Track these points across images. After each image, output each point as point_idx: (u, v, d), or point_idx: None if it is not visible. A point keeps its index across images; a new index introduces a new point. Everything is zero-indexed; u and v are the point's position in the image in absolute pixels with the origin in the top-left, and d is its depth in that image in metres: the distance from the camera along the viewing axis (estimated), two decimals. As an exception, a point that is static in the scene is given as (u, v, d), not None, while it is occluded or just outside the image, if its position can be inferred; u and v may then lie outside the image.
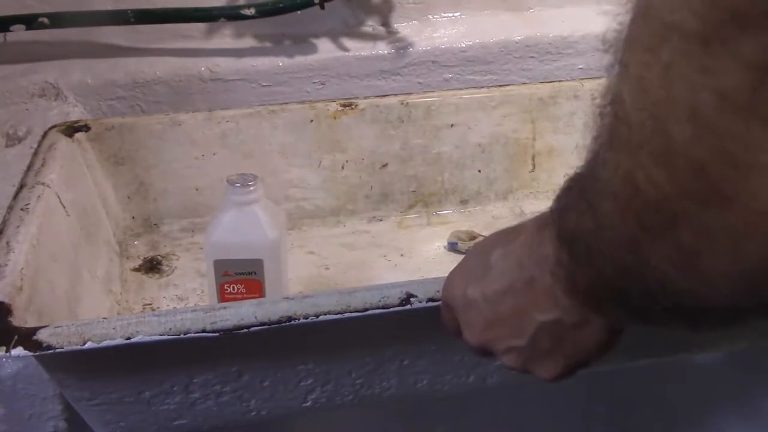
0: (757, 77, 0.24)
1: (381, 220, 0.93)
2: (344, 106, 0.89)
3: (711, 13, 0.25)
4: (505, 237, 0.43)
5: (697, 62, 0.25)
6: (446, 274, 0.48)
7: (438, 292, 0.49)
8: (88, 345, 0.50)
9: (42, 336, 0.50)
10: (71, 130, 0.82)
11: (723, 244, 0.27)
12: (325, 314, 0.53)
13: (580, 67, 1.04)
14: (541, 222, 0.40)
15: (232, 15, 0.91)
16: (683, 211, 0.27)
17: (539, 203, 0.94)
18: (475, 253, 0.46)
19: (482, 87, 0.96)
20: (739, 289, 0.28)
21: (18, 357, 0.51)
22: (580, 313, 0.38)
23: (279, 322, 0.52)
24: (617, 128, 0.29)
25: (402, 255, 0.87)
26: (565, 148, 0.94)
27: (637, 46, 0.28)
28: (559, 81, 0.96)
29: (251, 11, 0.90)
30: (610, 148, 0.30)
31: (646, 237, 0.29)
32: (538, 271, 0.39)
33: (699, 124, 0.26)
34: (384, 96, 0.91)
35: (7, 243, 0.60)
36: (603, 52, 0.32)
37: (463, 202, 0.95)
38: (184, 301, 0.79)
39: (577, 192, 0.35)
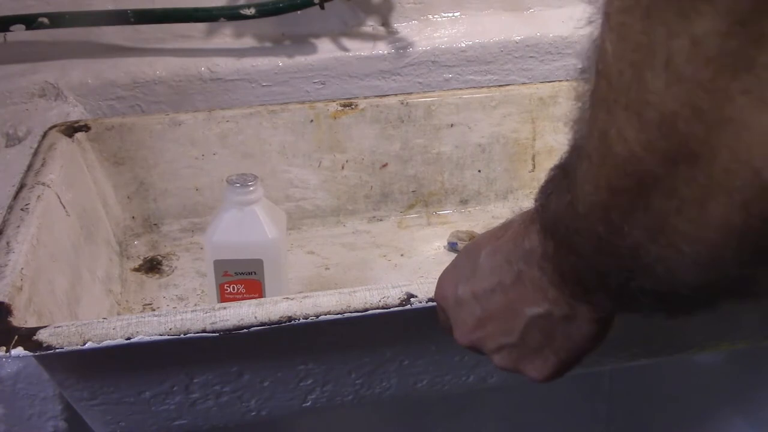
0: (729, 25, 0.24)
1: (381, 220, 0.93)
2: (344, 106, 0.89)
3: None
4: (493, 235, 0.43)
5: (675, 5, 0.25)
6: (442, 272, 0.48)
7: (434, 292, 0.49)
8: (88, 345, 0.50)
9: (42, 336, 0.50)
10: (71, 130, 0.82)
11: (689, 206, 0.27)
12: (325, 314, 0.53)
13: (580, 67, 1.03)
14: (526, 217, 0.40)
15: (232, 15, 0.91)
16: (651, 171, 0.27)
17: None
18: (465, 253, 0.46)
19: (482, 87, 0.96)
20: (703, 256, 0.28)
21: (18, 357, 0.51)
22: (568, 305, 0.38)
23: (279, 322, 0.52)
24: (598, 84, 0.29)
25: (402, 255, 0.87)
26: (565, 148, 0.94)
27: None
28: (559, 81, 0.96)
29: (251, 11, 0.90)
30: (591, 106, 0.30)
31: (616, 201, 0.29)
32: (525, 266, 0.39)
33: (672, 73, 0.25)
34: (384, 96, 0.91)
35: (7, 243, 0.60)
36: (586, 3, 0.31)
37: (463, 202, 0.95)
38: (184, 301, 0.79)
39: (559, 175, 0.35)
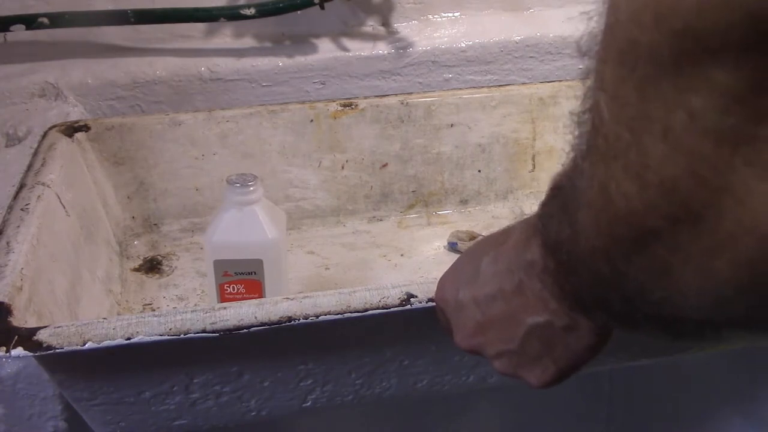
0: (726, 103, 0.24)
1: (381, 220, 0.93)
2: (344, 106, 0.89)
3: (683, 41, 0.24)
4: (494, 241, 0.43)
5: (670, 81, 0.25)
6: (442, 275, 0.48)
7: (434, 294, 0.49)
8: (88, 345, 0.50)
9: (42, 336, 0.50)
10: (71, 130, 0.82)
11: (693, 261, 0.27)
12: (325, 314, 0.53)
13: (580, 67, 1.03)
14: (527, 227, 0.40)
15: (232, 15, 0.91)
16: (654, 227, 0.27)
17: (539, 203, 0.94)
18: (466, 257, 0.46)
19: (482, 87, 0.96)
20: (708, 303, 0.28)
21: (18, 357, 0.51)
22: (569, 317, 0.38)
23: (279, 322, 0.52)
24: (594, 138, 0.29)
25: (402, 255, 0.87)
26: (565, 148, 0.94)
27: (610, 59, 0.27)
28: (559, 81, 0.96)
29: (251, 11, 0.90)
30: (587, 156, 0.30)
31: (619, 248, 0.29)
32: (526, 276, 0.39)
33: (671, 143, 0.26)
34: (384, 96, 0.91)
35: (7, 243, 0.60)
36: (579, 59, 0.31)
37: (463, 202, 0.95)
38: (184, 301, 0.79)
39: (558, 200, 0.35)
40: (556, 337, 0.40)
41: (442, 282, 0.47)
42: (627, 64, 0.26)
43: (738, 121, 0.24)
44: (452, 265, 0.47)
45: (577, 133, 0.32)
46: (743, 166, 0.24)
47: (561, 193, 0.34)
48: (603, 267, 0.31)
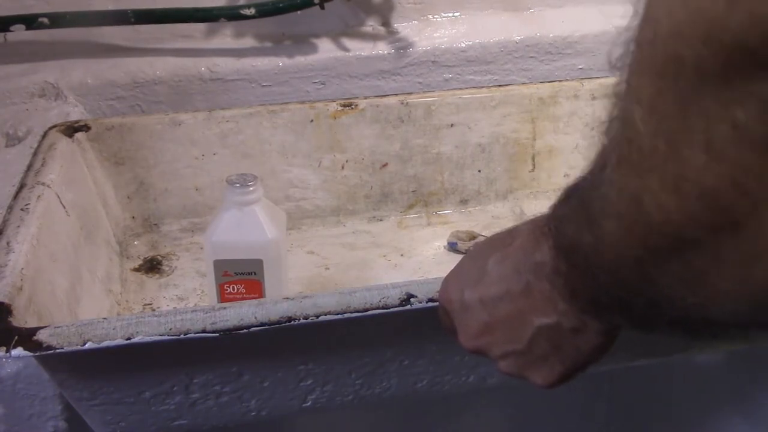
0: None
1: (381, 220, 0.93)
2: (344, 106, 0.89)
3: (731, 55, 0.24)
4: (500, 241, 0.43)
5: (714, 94, 0.25)
6: (446, 275, 0.48)
7: (437, 292, 0.49)
8: (88, 345, 0.50)
9: (42, 336, 0.50)
10: (71, 130, 0.82)
11: (731, 268, 0.27)
12: (325, 314, 0.53)
13: (580, 67, 1.04)
14: (536, 227, 0.40)
15: (232, 15, 0.91)
16: (692, 237, 0.28)
17: (539, 203, 0.94)
18: (471, 257, 0.46)
19: (482, 87, 0.96)
20: (744, 308, 0.28)
21: (18, 357, 0.51)
22: (578, 318, 0.38)
23: (279, 322, 0.52)
24: (626, 150, 0.29)
25: (402, 255, 0.87)
26: (565, 148, 0.94)
27: (648, 72, 0.27)
28: (559, 81, 0.96)
29: (251, 11, 0.90)
30: (618, 168, 0.30)
31: (651, 257, 0.30)
32: (534, 278, 0.39)
33: (713, 154, 0.26)
34: (384, 96, 0.91)
35: (7, 243, 0.60)
36: (609, 71, 0.31)
37: (463, 202, 0.95)
38: (184, 301, 0.79)
39: (576, 204, 0.34)
40: (563, 338, 0.40)
41: (446, 282, 0.47)
42: (667, 78, 0.26)
43: None
44: (456, 265, 0.47)
45: (604, 142, 0.32)
46: None
47: (579, 197, 0.34)
48: (630, 274, 0.31)
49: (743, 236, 0.26)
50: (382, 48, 0.98)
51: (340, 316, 0.53)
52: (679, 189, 0.27)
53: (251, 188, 0.69)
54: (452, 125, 0.91)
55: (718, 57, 0.25)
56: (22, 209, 0.65)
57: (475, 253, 0.46)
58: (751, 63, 0.24)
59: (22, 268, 0.58)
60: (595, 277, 0.33)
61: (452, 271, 0.47)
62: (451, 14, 1.00)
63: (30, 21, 0.86)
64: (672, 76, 0.26)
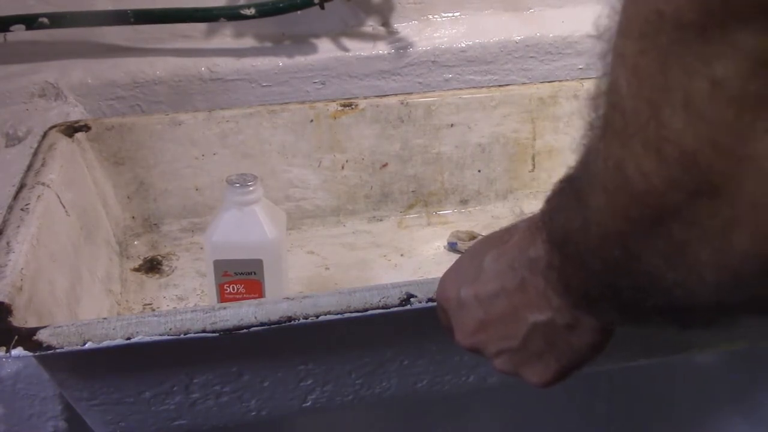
0: (752, 67, 0.24)
1: (381, 220, 0.93)
2: (344, 106, 0.89)
3: (709, 5, 0.24)
4: (497, 239, 0.43)
5: (694, 49, 0.25)
6: (443, 273, 0.48)
7: (436, 291, 0.49)
8: (88, 345, 0.50)
9: (42, 336, 0.50)
10: (71, 130, 0.82)
11: (711, 236, 0.27)
12: (325, 314, 0.53)
13: (580, 67, 1.04)
14: (531, 224, 0.40)
15: (232, 15, 0.91)
16: (671, 203, 0.27)
17: (539, 203, 0.93)
18: (468, 255, 0.46)
19: (482, 87, 0.96)
20: (726, 282, 0.28)
21: (18, 357, 0.51)
22: (572, 315, 0.38)
23: (279, 322, 0.52)
24: (611, 117, 0.29)
25: (402, 255, 0.87)
26: (565, 148, 0.94)
27: (631, 32, 0.27)
28: (559, 81, 0.96)
29: (251, 11, 0.90)
30: (603, 137, 0.30)
31: (634, 230, 0.29)
32: (529, 273, 0.39)
33: (692, 112, 0.25)
34: (384, 96, 0.91)
35: (7, 243, 0.60)
36: (596, 39, 0.31)
37: (463, 202, 0.95)
38: (184, 301, 0.79)
39: (568, 192, 0.35)
40: (558, 335, 0.40)
41: (444, 280, 0.47)
42: (649, 36, 0.26)
43: (762, 86, 0.24)
44: (454, 263, 0.47)
45: (592, 116, 0.32)
46: (766, 132, 0.24)
47: (571, 185, 0.34)
48: (615, 251, 0.31)
49: (722, 200, 0.26)
50: (382, 48, 0.98)
51: (340, 316, 0.53)
52: (660, 152, 0.27)
53: (251, 188, 0.69)
54: (452, 125, 0.91)
55: (697, 8, 0.25)
56: (22, 209, 0.65)
57: (472, 251, 0.46)
58: (730, 13, 0.24)
59: (22, 268, 0.58)
60: (585, 265, 0.33)
61: (450, 269, 0.47)
62: (451, 14, 1.00)
63: (30, 21, 0.86)
64: (653, 33, 0.26)
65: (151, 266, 0.84)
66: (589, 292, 0.35)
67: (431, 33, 0.99)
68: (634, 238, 0.30)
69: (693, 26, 0.25)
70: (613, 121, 0.29)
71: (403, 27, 0.99)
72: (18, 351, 0.49)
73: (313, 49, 0.96)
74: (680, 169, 0.26)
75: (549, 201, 0.37)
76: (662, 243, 0.29)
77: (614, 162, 0.29)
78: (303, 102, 0.90)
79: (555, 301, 0.38)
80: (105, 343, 0.50)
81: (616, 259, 0.31)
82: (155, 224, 0.88)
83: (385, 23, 0.98)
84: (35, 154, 0.76)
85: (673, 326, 0.33)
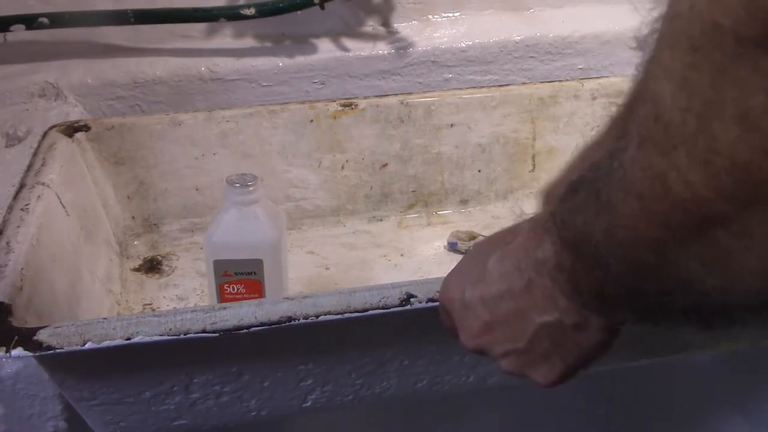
0: None
1: (381, 220, 0.93)
2: (344, 106, 0.89)
3: None
4: (501, 240, 0.43)
5: (752, 63, 0.25)
6: (446, 275, 0.48)
7: (438, 292, 0.49)
8: (88, 345, 0.50)
9: (42, 336, 0.50)
10: (71, 130, 0.82)
11: (760, 244, 0.27)
12: (325, 314, 0.53)
13: (580, 67, 1.04)
14: (537, 225, 0.40)
15: (232, 15, 0.91)
16: (720, 212, 0.27)
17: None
18: (472, 256, 0.46)
19: (482, 87, 0.96)
20: None
21: (18, 357, 0.51)
22: (580, 315, 0.38)
23: (279, 322, 0.52)
24: (651, 128, 0.29)
25: (402, 255, 0.87)
26: (565, 148, 0.94)
27: (681, 46, 0.27)
28: (559, 81, 0.96)
29: (251, 11, 0.90)
30: (641, 148, 0.30)
31: (672, 237, 0.29)
32: (536, 275, 0.39)
33: (747, 125, 0.26)
34: (384, 96, 0.91)
35: (7, 243, 0.60)
36: (634, 50, 0.31)
37: (463, 202, 0.95)
38: (184, 301, 0.79)
39: (586, 195, 0.34)
40: (565, 335, 0.40)
41: (447, 282, 0.47)
42: (703, 50, 0.26)
43: None
44: (457, 265, 0.47)
45: (622, 123, 0.32)
46: None
47: (588, 187, 0.34)
48: (648, 256, 0.31)
49: None
50: (382, 48, 0.98)
51: (340, 316, 0.53)
52: (709, 164, 0.27)
53: (251, 188, 0.69)
54: (452, 125, 0.91)
55: (757, 22, 0.24)
56: (22, 209, 0.65)
57: (475, 252, 0.46)
58: None
59: (22, 268, 0.58)
60: (605, 267, 0.33)
61: (453, 271, 0.47)
62: (451, 14, 1.00)
63: (30, 21, 0.86)
64: (707, 47, 0.26)
65: (151, 266, 0.84)
66: (605, 293, 0.35)
67: (431, 33, 0.99)
68: (671, 244, 0.30)
69: (753, 40, 0.25)
70: (653, 133, 0.29)
71: (403, 27, 0.99)
72: (18, 351, 0.49)
73: (313, 49, 0.96)
74: (731, 180, 0.26)
75: (561, 202, 0.37)
76: (704, 250, 0.29)
77: (654, 172, 0.29)
78: (303, 102, 0.90)
79: (562, 302, 0.38)
80: (105, 343, 0.50)
81: (646, 264, 0.31)
82: (155, 224, 0.88)
83: (385, 23, 0.98)
84: (35, 154, 0.76)
85: (696, 326, 0.33)
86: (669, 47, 0.28)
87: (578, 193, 0.35)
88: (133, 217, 0.87)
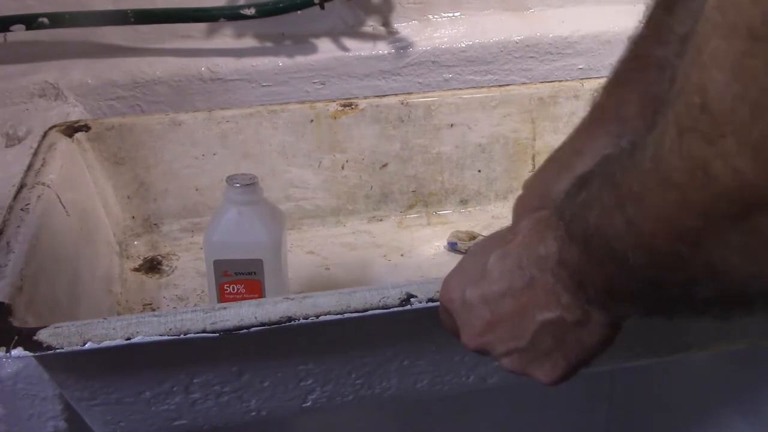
0: None
1: (381, 220, 0.93)
2: (344, 106, 0.89)
3: None
4: (501, 238, 0.43)
5: None
6: (446, 275, 0.48)
7: (438, 292, 0.49)
8: (88, 345, 0.50)
9: (42, 336, 0.50)
10: (71, 130, 0.82)
11: None
12: (325, 314, 0.53)
13: (580, 67, 1.04)
14: (538, 222, 0.40)
15: (232, 15, 0.91)
16: (764, 199, 0.27)
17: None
18: (472, 256, 0.46)
19: (482, 87, 0.96)
20: None
21: (18, 357, 0.51)
22: (582, 311, 0.38)
23: (279, 322, 0.52)
24: (696, 118, 0.29)
25: (402, 255, 0.87)
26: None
27: (738, 35, 0.27)
28: (559, 81, 0.96)
29: (251, 11, 0.90)
30: (680, 137, 0.29)
31: (712, 227, 0.29)
32: (537, 272, 0.39)
33: None
34: (384, 96, 0.91)
35: (7, 243, 0.60)
36: (679, 44, 0.31)
37: (463, 202, 0.95)
38: (184, 301, 0.79)
39: (600, 188, 0.34)
40: (567, 332, 0.40)
41: (447, 282, 0.47)
42: (759, 38, 0.26)
43: None
44: (457, 265, 0.47)
45: (654, 119, 0.32)
46: None
47: (602, 181, 0.34)
48: (680, 248, 0.31)
49: None
50: (382, 48, 0.98)
51: (340, 316, 0.53)
52: (761, 151, 0.27)
53: (251, 188, 0.69)
54: (452, 125, 0.91)
55: None
56: (22, 209, 0.65)
57: (475, 252, 0.46)
58: None
59: (22, 268, 0.58)
60: (621, 261, 0.33)
61: (453, 271, 0.47)
62: (451, 14, 1.00)
63: (30, 21, 0.86)
64: (764, 35, 0.26)
65: (151, 266, 0.84)
66: (615, 288, 0.35)
67: (431, 33, 0.99)
68: (708, 233, 0.30)
69: None
70: (698, 123, 0.29)
71: (403, 27, 0.99)
72: (18, 351, 0.49)
73: (313, 49, 0.96)
74: None
75: (568, 197, 0.37)
76: (742, 237, 0.29)
77: (696, 161, 0.29)
78: (303, 102, 0.90)
79: (564, 298, 0.38)
80: (105, 343, 0.50)
81: (677, 255, 0.31)
82: (155, 224, 0.88)
83: (385, 23, 0.98)
84: (35, 154, 0.76)
85: (714, 316, 0.33)
86: (723, 37, 0.28)
87: (590, 187, 0.35)
88: (133, 217, 0.87)
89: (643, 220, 0.32)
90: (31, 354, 0.50)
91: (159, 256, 0.86)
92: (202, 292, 0.80)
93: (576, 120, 0.93)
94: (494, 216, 0.94)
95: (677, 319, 0.35)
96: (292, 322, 0.52)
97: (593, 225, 0.34)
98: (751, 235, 0.29)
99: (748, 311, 0.33)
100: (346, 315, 0.53)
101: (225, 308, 0.52)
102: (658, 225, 0.31)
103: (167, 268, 0.84)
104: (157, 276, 0.83)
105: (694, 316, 0.34)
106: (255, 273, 0.71)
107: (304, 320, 0.52)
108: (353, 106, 0.89)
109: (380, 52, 0.97)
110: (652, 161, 0.31)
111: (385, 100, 0.90)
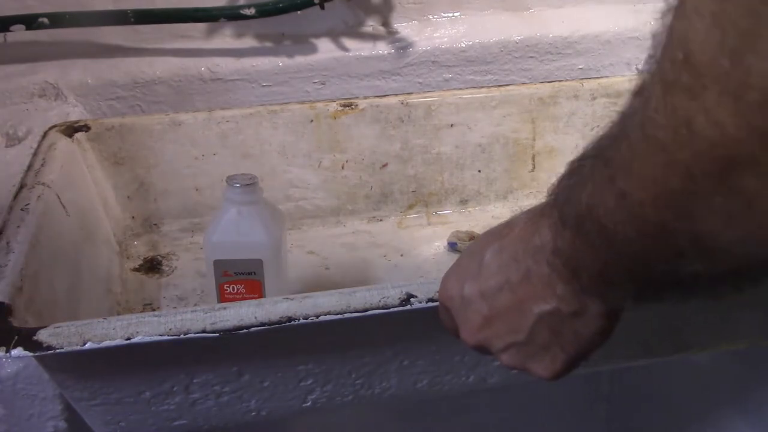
0: None
1: (381, 220, 0.93)
2: (344, 106, 0.89)
3: None
4: (496, 234, 0.43)
5: None
6: (445, 272, 0.48)
7: (437, 292, 0.49)
8: (88, 345, 0.50)
9: (42, 336, 0.50)
10: (71, 130, 0.82)
11: None
12: (325, 314, 0.53)
13: (580, 67, 1.04)
14: (534, 214, 0.40)
15: (232, 15, 0.91)
16: (747, 152, 0.27)
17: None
18: (469, 252, 0.46)
19: (482, 87, 0.96)
20: None
21: (18, 357, 0.51)
22: (578, 301, 0.38)
23: (279, 322, 0.52)
24: (679, 71, 0.28)
25: (402, 255, 0.87)
26: (565, 149, 0.94)
27: None
28: (559, 81, 0.96)
29: (251, 11, 0.90)
30: (665, 95, 0.29)
31: (696, 188, 0.29)
32: (533, 263, 0.39)
33: None
34: (384, 96, 0.91)
35: (7, 243, 0.60)
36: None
37: (463, 202, 0.95)
38: (184, 301, 0.79)
39: (592, 166, 0.34)
40: (563, 324, 0.40)
41: (445, 280, 0.47)
42: None
43: None
44: (455, 262, 0.47)
45: (640, 84, 0.31)
46: None
47: (593, 160, 0.34)
48: (665, 214, 0.30)
49: None
50: (382, 48, 0.98)
51: (340, 316, 0.53)
52: (741, 100, 0.26)
53: (251, 188, 0.69)
54: (452, 125, 0.91)
55: None
56: (22, 209, 0.65)
57: (471, 249, 0.46)
58: None
59: (22, 268, 0.58)
60: (611, 238, 0.33)
61: (451, 268, 0.47)
62: (451, 14, 1.00)
63: (30, 21, 0.86)
64: None
65: (151, 266, 0.84)
66: (607, 271, 0.35)
67: (431, 33, 0.99)
68: (692, 196, 0.29)
69: None
70: (681, 76, 0.28)
71: (403, 27, 0.99)
72: (18, 351, 0.49)
73: (313, 49, 0.96)
74: (763, 115, 0.26)
75: (561, 181, 0.37)
76: (727, 199, 0.28)
77: (680, 118, 0.28)
78: (303, 102, 0.90)
79: (560, 288, 0.38)
80: (105, 343, 0.50)
81: (662, 223, 0.31)
82: (155, 224, 0.88)
83: (385, 23, 0.98)
84: (35, 154, 0.76)
85: (705, 294, 0.33)
86: None
87: (582, 168, 0.35)
88: (133, 217, 0.87)
89: (632, 189, 0.32)
90: (31, 354, 0.50)
91: (159, 256, 0.86)
92: (202, 292, 0.80)
93: (576, 120, 0.94)
94: (494, 216, 0.94)
95: (670, 301, 0.35)
96: (292, 322, 0.52)
97: (585, 204, 0.34)
98: (732, 196, 0.28)
99: (736, 289, 0.33)
100: (346, 315, 0.53)
101: (225, 308, 0.52)
102: (646, 193, 0.31)
103: (167, 268, 0.84)
104: (157, 276, 0.83)
105: (684, 297, 0.34)
106: (255, 273, 0.71)
107: (304, 320, 0.52)
108: (353, 106, 0.89)
109: (380, 52, 0.97)
110: (639, 126, 0.31)
111: (385, 100, 0.90)
